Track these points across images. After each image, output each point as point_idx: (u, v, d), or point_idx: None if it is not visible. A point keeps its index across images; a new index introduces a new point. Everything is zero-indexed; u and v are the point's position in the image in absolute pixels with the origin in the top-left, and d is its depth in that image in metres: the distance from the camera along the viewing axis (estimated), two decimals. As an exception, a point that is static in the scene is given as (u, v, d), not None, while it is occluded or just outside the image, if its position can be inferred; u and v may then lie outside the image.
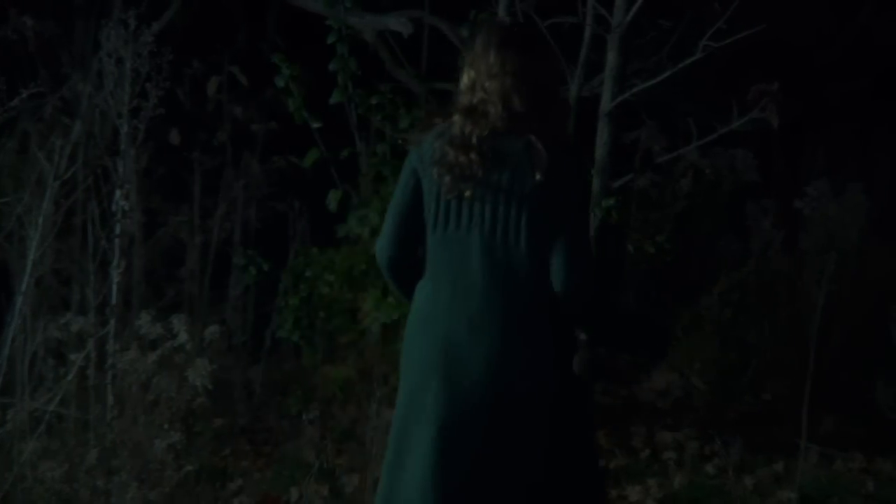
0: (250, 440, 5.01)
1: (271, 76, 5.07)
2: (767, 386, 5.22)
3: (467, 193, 2.79)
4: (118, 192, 3.85)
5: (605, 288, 3.19)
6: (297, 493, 4.42)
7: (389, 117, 4.91)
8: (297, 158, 5.22)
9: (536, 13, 4.68)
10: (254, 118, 5.96)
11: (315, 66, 5.01)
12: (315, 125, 4.99)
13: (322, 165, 5.05)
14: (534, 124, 2.79)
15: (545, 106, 2.82)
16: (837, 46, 6.85)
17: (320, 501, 4.41)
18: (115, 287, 3.81)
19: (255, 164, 5.87)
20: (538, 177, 2.75)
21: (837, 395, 4.98)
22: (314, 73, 5.01)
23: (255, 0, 6.71)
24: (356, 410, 5.08)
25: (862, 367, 5.18)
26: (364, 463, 4.60)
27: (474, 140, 2.80)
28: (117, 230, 3.85)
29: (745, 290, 5.37)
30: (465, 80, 2.90)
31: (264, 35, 6.70)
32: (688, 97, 5.11)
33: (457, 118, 2.87)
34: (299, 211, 5.65)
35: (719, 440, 4.52)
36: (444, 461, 2.79)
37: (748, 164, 5.53)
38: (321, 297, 5.18)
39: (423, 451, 2.82)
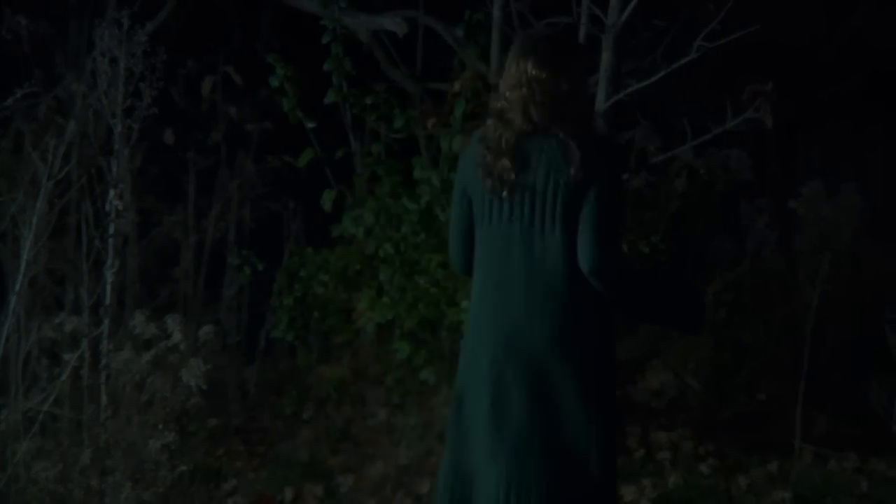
0: (245, 440, 5.01)
1: (266, 76, 5.07)
2: (762, 386, 5.22)
3: (504, 193, 3.03)
4: (112, 192, 3.84)
5: (635, 270, 3.34)
6: (291, 494, 4.42)
7: (384, 117, 4.91)
8: (292, 158, 5.22)
9: (531, 13, 4.68)
10: (248, 118, 5.95)
11: (309, 66, 5.01)
12: (309, 125, 4.99)
13: (317, 165, 5.05)
14: (553, 129, 3.01)
15: (563, 112, 3.02)
16: (831, 47, 6.86)
17: (315, 501, 4.41)
18: (109, 287, 3.80)
19: (249, 164, 5.87)
20: (572, 171, 2.98)
21: (832, 396, 4.99)
22: (309, 72, 5.01)
23: (249, 0, 6.71)
24: (351, 410, 5.08)
25: (856, 368, 5.19)
26: (359, 463, 4.61)
27: (504, 144, 3.03)
28: (111, 230, 3.84)
29: (739, 290, 5.37)
30: (499, 84, 3.13)
31: (259, 35, 6.69)
32: (682, 97, 5.12)
33: (490, 121, 3.09)
34: (294, 211, 5.65)
35: (714, 440, 4.53)
36: (500, 434, 3.02)
37: (742, 164, 5.53)
38: (316, 297, 5.18)
39: (482, 426, 3.04)
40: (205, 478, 4.37)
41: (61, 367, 3.68)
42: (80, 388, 3.77)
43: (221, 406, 5.07)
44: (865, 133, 6.81)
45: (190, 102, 5.91)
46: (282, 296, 5.28)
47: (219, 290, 5.59)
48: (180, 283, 5.52)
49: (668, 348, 5.38)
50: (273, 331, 5.33)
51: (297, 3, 5.72)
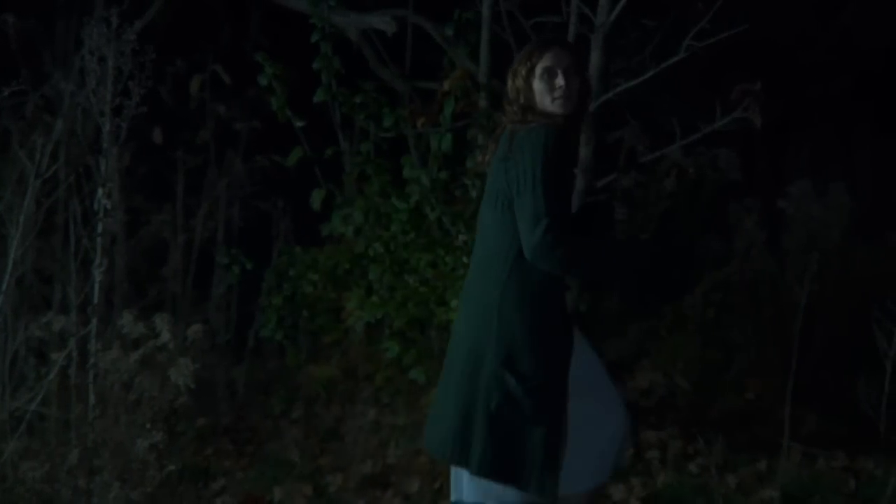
0: (233, 440, 5.00)
1: (254, 75, 5.06)
2: (750, 385, 5.23)
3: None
4: (100, 191, 3.83)
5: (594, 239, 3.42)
6: (280, 493, 4.41)
7: (373, 116, 4.90)
8: (281, 157, 5.21)
9: (520, 12, 4.68)
10: (237, 117, 5.94)
11: (298, 65, 5.00)
12: (298, 124, 4.98)
13: (306, 164, 5.04)
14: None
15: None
16: (820, 46, 6.87)
17: (304, 501, 4.41)
18: (97, 286, 3.79)
19: (238, 163, 5.86)
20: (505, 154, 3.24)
21: (820, 395, 5.00)
22: (297, 71, 5.00)
23: (238, -2, 6.70)
24: (340, 410, 5.07)
25: (844, 367, 5.20)
26: (348, 462, 4.60)
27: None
28: (99, 229, 3.83)
29: (728, 290, 5.39)
30: None
31: (247, 33, 6.68)
32: (671, 97, 5.12)
33: None
34: (283, 210, 5.64)
35: (702, 439, 4.53)
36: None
37: (731, 163, 5.53)
38: (305, 296, 5.18)
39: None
40: (193, 477, 4.36)
41: (49, 367, 3.67)
42: (68, 387, 3.76)
43: (210, 405, 5.06)
44: (854, 133, 6.83)
45: (178, 101, 5.90)
46: (271, 295, 5.27)
47: (207, 290, 5.59)
48: (169, 283, 5.51)
49: (656, 348, 5.39)
50: (262, 330, 5.32)
51: (285, 1, 5.71)
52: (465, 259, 4.58)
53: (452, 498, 3.32)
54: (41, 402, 3.69)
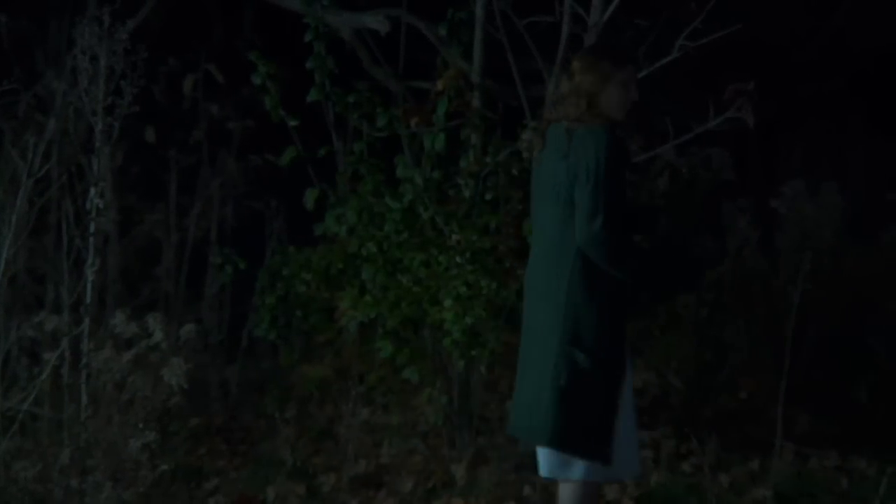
0: (226, 439, 5.00)
1: (248, 74, 5.05)
2: (743, 384, 5.24)
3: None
4: (93, 190, 3.83)
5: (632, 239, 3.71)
6: (273, 493, 4.41)
7: (367, 116, 4.89)
8: (274, 157, 5.20)
9: (514, 12, 4.68)
10: (230, 116, 5.94)
11: (292, 64, 4.99)
12: (292, 123, 4.98)
13: (299, 164, 5.03)
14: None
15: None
16: (812, 47, 6.89)
17: (297, 501, 4.40)
18: (89, 285, 3.79)
19: (231, 163, 5.86)
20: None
21: (813, 394, 5.01)
22: (291, 71, 4.99)
23: (231, -3, 6.69)
24: (333, 409, 5.07)
25: (837, 366, 5.21)
26: (340, 462, 4.60)
27: None
28: (92, 228, 3.83)
29: (721, 289, 5.39)
30: None
31: (241, 33, 6.67)
32: (664, 96, 5.13)
33: None
34: (276, 209, 5.63)
35: (695, 438, 4.54)
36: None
37: (724, 163, 5.54)
38: (298, 295, 5.17)
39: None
40: (186, 477, 4.36)
41: (41, 367, 3.67)
42: (61, 387, 3.75)
43: (203, 405, 5.06)
44: (846, 132, 6.85)
45: (171, 100, 5.89)
46: (264, 295, 5.26)
47: (201, 289, 5.58)
48: (162, 282, 5.51)
49: (650, 347, 5.39)
50: (255, 330, 5.32)
51: (279, 0, 5.71)
52: (458, 259, 4.58)
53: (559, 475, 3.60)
54: (33, 401, 3.68)
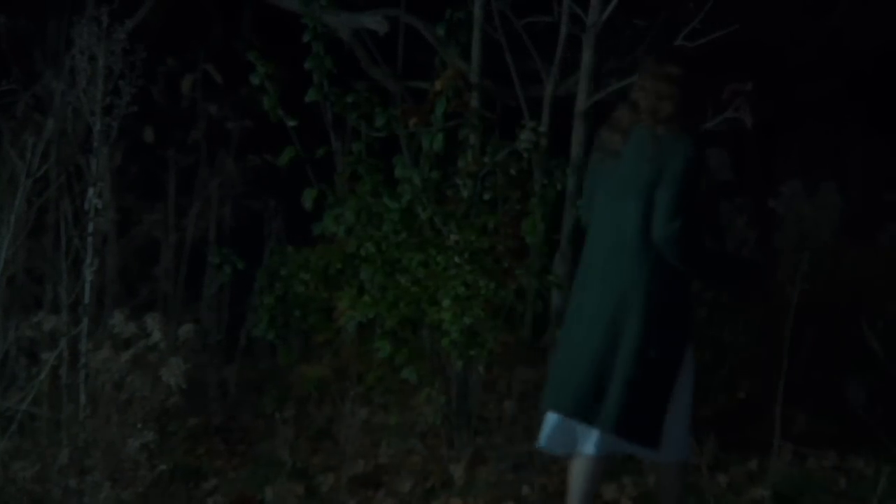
0: (225, 439, 5.00)
1: (246, 74, 5.06)
2: (741, 384, 5.24)
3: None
4: (91, 190, 3.83)
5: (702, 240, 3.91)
6: (271, 493, 4.40)
7: (365, 116, 4.90)
8: (273, 157, 5.20)
9: (512, 12, 4.69)
10: (229, 116, 5.94)
11: (290, 64, 4.99)
12: (290, 123, 4.98)
13: (298, 164, 5.03)
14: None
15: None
16: (810, 47, 6.89)
17: (295, 501, 4.40)
18: (88, 285, 3.79)
19: (230, 163, 5.86)
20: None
21: (811, 394, 5.01)
22: (289, 71, 4.99)
23: (229, -3, 6.69)
24: (331, 409, 5.07)
25: (835, 366, 5.21)
26: (339, 462, 4.60)
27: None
28: (90, 228, 3.83)
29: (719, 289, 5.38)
30: None
31: (239, 33, 6.68)
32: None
33: None
34: (275, 209, 5.63)
35: (693, 438, 4.54)
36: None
37: (722, 163, 5.55)
38: (296, 295, 5.17)
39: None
40: (184, 477, 4.36)
41: (40, 367, 3.66)
42: (59, 387, 3.75)
43: (201, 405, 5.05)
44: (844, 133, 6.85)
45: (170, 100, 5.90)
46: (262, 295, 5.26)
47: (199, 289, 5.58)
48: (160, 282, 5.51)
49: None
50: (254, 330, 5.31)
51: (277, 1, 5.71)
52: (456, 259, 4.58)
53: (559, 450, 3.83)
54: (32, 401, 3.68)
